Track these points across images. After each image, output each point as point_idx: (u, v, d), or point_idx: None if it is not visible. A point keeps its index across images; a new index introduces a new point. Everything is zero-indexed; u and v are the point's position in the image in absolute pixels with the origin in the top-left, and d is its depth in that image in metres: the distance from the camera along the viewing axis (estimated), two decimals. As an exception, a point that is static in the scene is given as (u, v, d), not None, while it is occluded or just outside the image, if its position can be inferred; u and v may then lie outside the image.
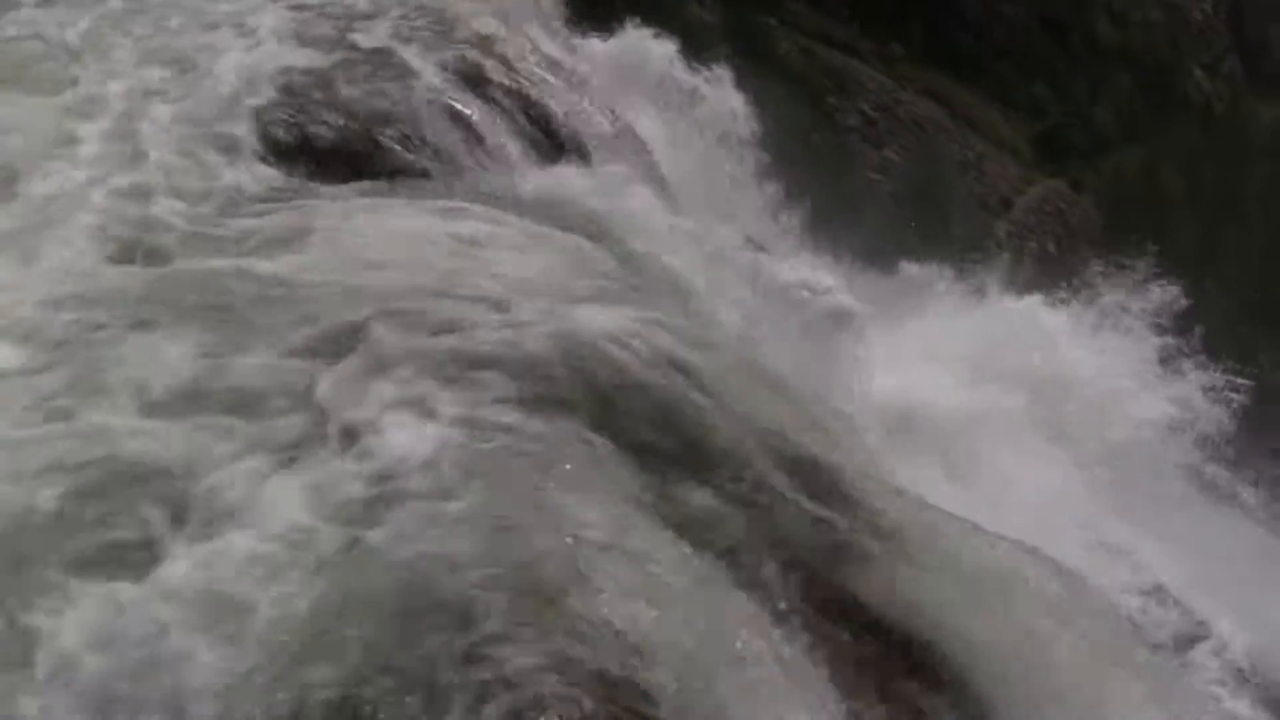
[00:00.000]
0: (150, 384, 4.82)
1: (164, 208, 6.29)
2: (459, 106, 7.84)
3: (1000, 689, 4.90)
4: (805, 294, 10.20)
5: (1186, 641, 8.87)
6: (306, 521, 4.15)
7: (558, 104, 8.75)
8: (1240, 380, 11.87)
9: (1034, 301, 11.60)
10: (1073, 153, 17.23)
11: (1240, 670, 8.74)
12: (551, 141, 8.33)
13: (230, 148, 6.93)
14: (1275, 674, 8.85)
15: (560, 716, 3.52)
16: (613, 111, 9.82)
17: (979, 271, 12.09)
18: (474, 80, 8.30)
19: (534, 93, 8.65)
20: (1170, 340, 11.69)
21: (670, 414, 5.35)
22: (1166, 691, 5.77)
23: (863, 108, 16.32)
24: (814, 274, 11.10)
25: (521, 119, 8.26)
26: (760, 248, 11.35)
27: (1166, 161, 17.85)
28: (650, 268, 6.66)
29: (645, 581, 4.15)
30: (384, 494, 4.30)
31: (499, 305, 5.54)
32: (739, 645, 4.09)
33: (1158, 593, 9.07)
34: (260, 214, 6.28)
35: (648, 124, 11.39)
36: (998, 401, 10.02)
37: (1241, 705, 8.44)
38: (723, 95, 13.50)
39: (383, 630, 3.71)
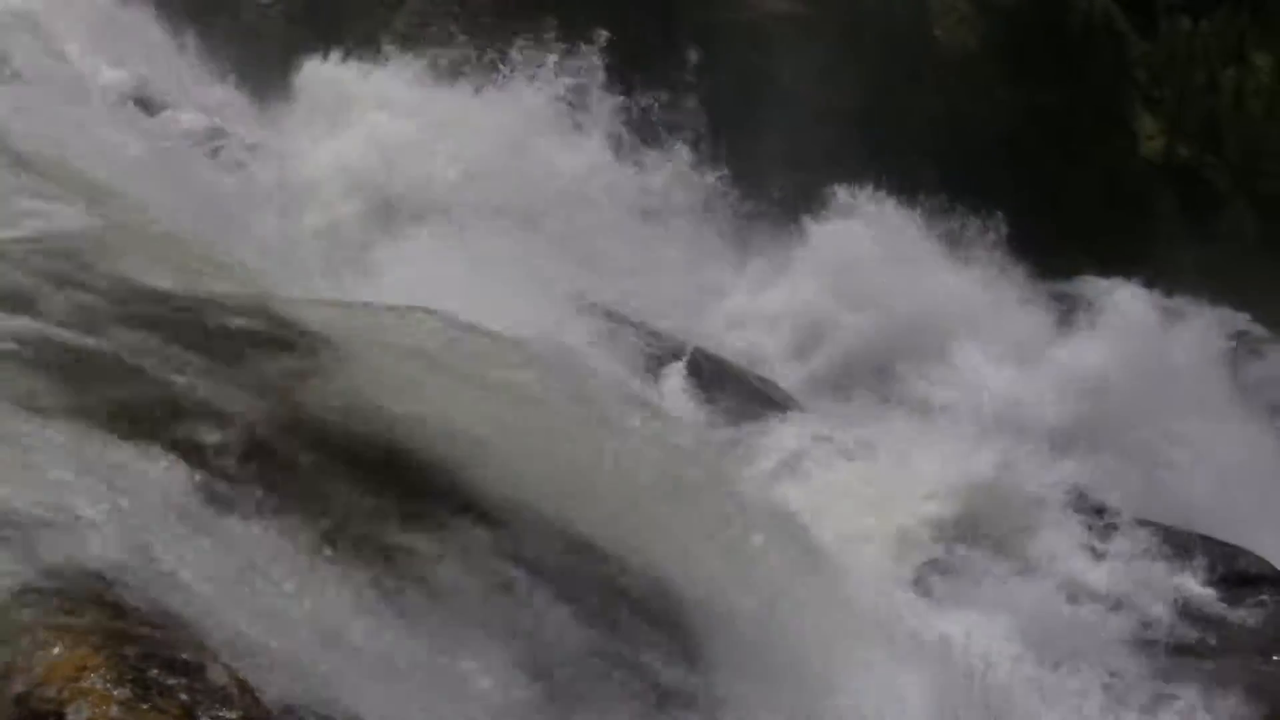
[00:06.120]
0: None
1: None
2: None
3: (478, 454, 5.04)
4: (196, 136, 9.90)
5: (657, 362, 9.41)
6: None
7: None
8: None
9: (438, 88, 11.67)
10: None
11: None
12: None
13: None
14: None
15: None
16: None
17: (378, 71, 11.97)
18: None
19: None
20: (581, 90, 12.10)
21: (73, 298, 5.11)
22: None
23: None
24: (201, 115, 10.78)
25: None
26: (146, 98, 10.89)
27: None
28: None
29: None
30: None
31: None
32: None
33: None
34: None
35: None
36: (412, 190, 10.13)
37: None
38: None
39: None
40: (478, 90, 12.09)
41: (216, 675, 3.44)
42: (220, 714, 3.34)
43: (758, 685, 5.05)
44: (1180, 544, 8.19)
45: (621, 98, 12.79)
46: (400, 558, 4.56)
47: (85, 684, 3.25)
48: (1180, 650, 7.45)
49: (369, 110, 11.41)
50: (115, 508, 3.89)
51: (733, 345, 10.07)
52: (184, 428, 4.59)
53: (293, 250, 7.68)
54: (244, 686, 3.47)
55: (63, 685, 3.24)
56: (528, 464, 5.12)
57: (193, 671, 3.41)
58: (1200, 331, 13.35)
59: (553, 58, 12.36)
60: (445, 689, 4.14)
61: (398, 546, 4.61)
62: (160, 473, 4.25)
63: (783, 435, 8.78)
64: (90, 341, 4.82)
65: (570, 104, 11.87)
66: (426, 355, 5.28)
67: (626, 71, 13.10)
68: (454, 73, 12.44)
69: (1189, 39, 23.71)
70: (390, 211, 10.26)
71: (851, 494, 8.32)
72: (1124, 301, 13.09)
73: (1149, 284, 14.37)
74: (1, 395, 4.24)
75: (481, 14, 15.28)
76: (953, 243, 12.83)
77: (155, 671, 3.34)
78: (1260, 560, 8.24)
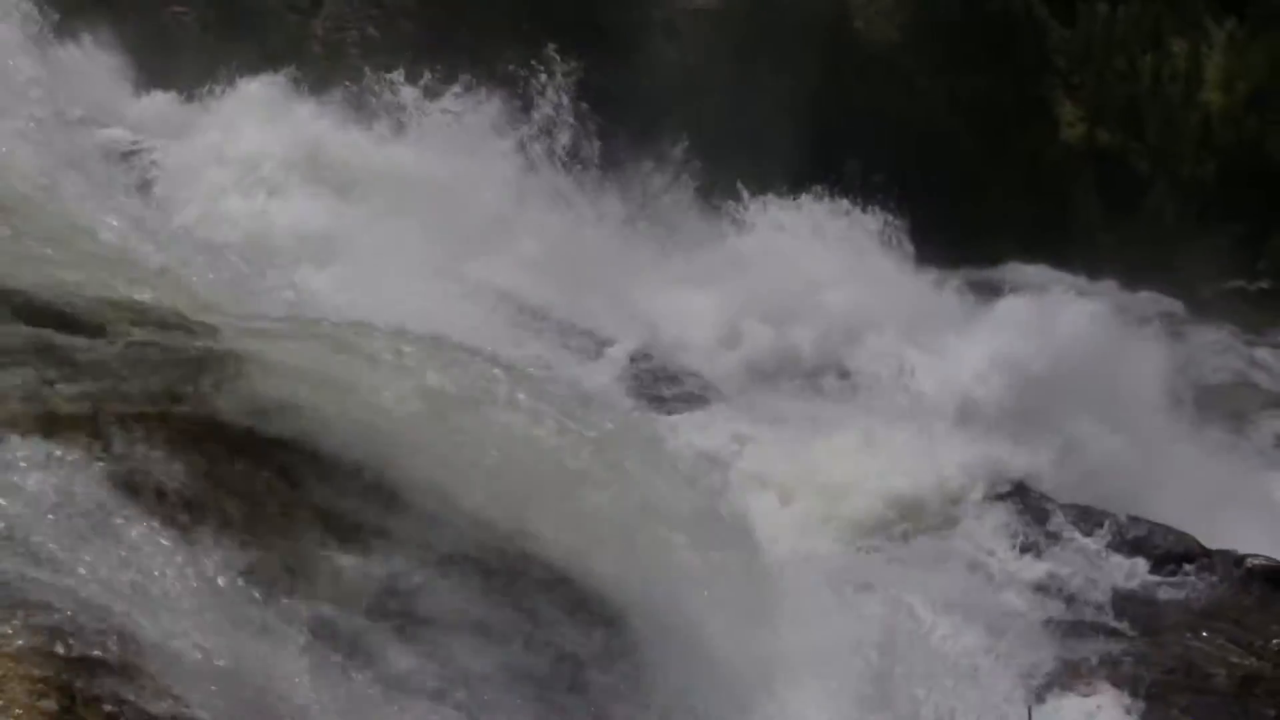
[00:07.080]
0: None
1: None
2: None
3: (388, 448, 5.02)
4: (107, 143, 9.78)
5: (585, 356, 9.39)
6: None
7: None
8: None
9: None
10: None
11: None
12: None
13: None
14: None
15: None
16: None
17: (292, 75, 11.85)
18: None
19: None
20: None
21: None
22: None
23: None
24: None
25: None
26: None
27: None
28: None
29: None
30: None
31: None
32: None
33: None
34: None
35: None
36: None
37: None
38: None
39: None
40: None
41: (144, 687, 3.39)
42: (146, 728, 3.29)
43: (685, 679, 5.05)
44: (1109, 525, 8.27)
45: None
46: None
47: (8, 695, 3.19)
48: (1111, 630, 7.52)
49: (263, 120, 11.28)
50: (40, 512, 3.84)
51: (659, 337, 10.04)
52: (97, 430, 4.52)
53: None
54: (173, 699, 3.42)
55: (-16, 697, 3.18)
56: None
57: (119, 683, 3.36)
58: (1126, 316, 13.51)
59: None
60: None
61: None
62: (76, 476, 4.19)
63: (709, 427, 8.77)
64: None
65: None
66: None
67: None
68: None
69: (1107, 25, 23.96)
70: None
71: (779, 485, 8.32)
72: (1048, 286, 13.22)
73: (1072, 269, 14.56)
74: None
75: (399, 13, 15.27)
76: (877, 232, 12.89)
77: (81, 683, 3.28)
78: (1187, 538, 8.33)
